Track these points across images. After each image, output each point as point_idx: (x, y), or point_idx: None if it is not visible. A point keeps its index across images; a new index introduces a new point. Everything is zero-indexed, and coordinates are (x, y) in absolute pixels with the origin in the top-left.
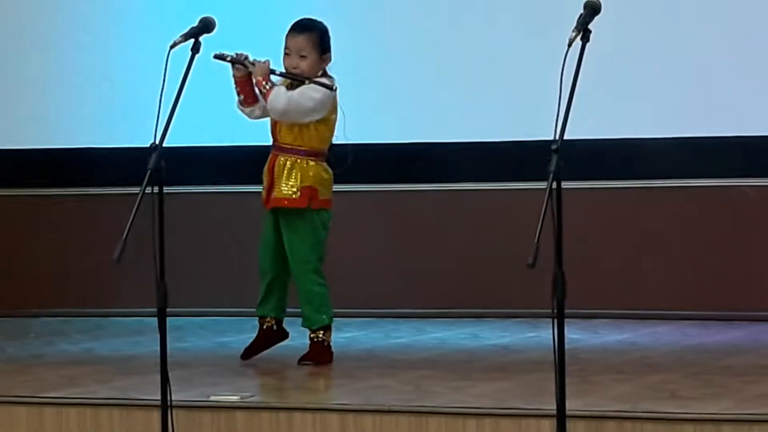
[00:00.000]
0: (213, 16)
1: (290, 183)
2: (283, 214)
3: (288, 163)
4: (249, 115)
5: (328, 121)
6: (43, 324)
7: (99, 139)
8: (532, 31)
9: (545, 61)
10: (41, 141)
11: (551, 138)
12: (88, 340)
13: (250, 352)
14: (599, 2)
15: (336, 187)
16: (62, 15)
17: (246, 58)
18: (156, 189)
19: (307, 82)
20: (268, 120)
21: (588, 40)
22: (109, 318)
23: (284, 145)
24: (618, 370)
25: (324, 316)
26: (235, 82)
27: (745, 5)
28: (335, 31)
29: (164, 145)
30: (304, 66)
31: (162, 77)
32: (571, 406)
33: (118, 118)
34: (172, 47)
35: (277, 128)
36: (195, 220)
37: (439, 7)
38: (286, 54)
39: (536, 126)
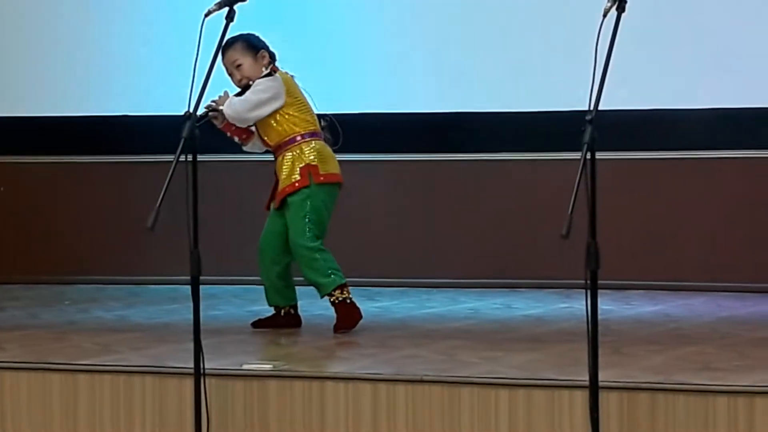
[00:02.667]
0: None
1: (291, 173)
2: (288, 203)
3: (288, 156)
4: (260, 149)
5: (292, 105)
6: (77, 291)
7: (134, 106)
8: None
9: (580, 31)
10: (77, 108)
11: (586, 108)
12: (123, 307)
13: (261, 324)
14: None
15: (370, 157)
16: None
17: (209, 106)
18: (190, 157)
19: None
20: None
21: (623, 10)
22: (144, 285)
23: (277, 146)
24: (651, 342)
25: (333, 277)
26: (224, 130)
27: None
28: (370, 4)
29: (198, 113)
30: (244, 73)
31: (196, 45)
32: (604, 377)
33: (155, 84)
34: (206, 15)
35: (264, 138)
36: (229, 188)
37: None
38: (229, 75)
39: (571, 96)
